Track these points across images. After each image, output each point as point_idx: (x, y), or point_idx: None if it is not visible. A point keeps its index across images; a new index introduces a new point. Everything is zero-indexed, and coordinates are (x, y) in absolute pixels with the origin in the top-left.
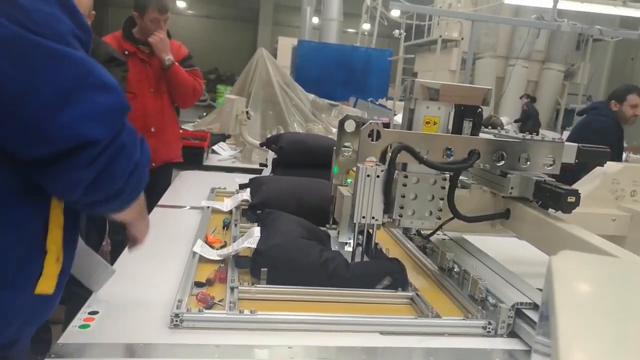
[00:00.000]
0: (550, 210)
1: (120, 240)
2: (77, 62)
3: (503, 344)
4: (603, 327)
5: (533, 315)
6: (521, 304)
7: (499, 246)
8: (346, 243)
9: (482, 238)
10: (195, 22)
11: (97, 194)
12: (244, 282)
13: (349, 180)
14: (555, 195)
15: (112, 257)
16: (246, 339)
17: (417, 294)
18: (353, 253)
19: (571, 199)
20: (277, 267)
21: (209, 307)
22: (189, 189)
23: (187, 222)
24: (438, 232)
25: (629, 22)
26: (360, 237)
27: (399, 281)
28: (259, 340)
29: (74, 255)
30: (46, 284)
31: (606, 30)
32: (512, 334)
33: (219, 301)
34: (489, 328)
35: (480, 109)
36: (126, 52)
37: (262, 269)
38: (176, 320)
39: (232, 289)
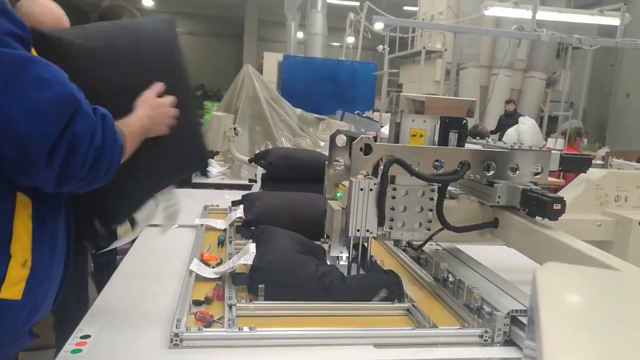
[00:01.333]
0: (538, 218)
1: (104, 261)
2: (9, 61)
3: (500, 352)
4: (588, 340)
5: None
6: (516, 311)
7: (490, 255)
8: (338, 257)
9: (473, 247)
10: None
11: (71, 184)
12: (241, 299)
13: (339, 194)
14: (542, 203)
15: (96, 279)
16: (247, 357)
17: (413, 305)
18: (349, 267)
19: (557, 207)
20: (275, 283)
21: (208, 326)
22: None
23: (180, 240)
24: (430, 243)
25: (607, 30)
26: (354, 250)
27: (395, 293)
28: (259, 357)
29: (56, 260)
30: (10, 289)
31: (584, 39)
32: (509, 342)
33: (218, 319)
34: (486, 337)
35: (465, 121)
36: None
37: (259, 286)
38: (176, 340)
39: (230, 306)
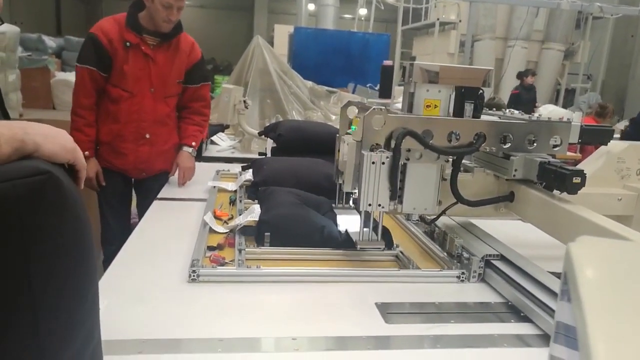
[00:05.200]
0: (556, 192)
1: (113, 250)
2: None
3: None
4: (635, 322)
5: None
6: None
7: (505, 229)
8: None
9: (486, 222)
10: (190, 13)
11: None
12: (250, 245)
13: (353, 127)
14: (560, 176)
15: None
16: (254, 290)
17: (401, 252)
18: (360, 233)
19: (576, 180)
20: (279, 232)
21: (221, 265)
22: (190, 181)
23: (191, 211)
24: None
25: None
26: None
27: (387, 240)
28: (265, 291)
29: None
30: None
31: (606, 7)
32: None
33: (230, 261)
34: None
35: (481, 91)
36: (128, 44)
37: (265, 234)
38: (193, 275)
39: (239, 250)
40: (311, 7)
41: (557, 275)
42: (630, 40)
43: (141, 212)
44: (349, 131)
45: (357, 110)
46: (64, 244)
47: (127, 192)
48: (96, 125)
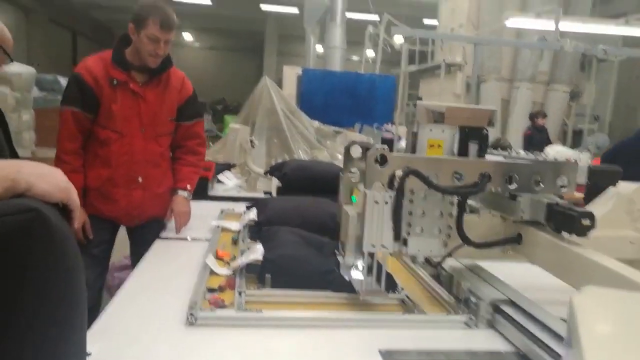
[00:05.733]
0: (565, 234)
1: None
2: None
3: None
4: None
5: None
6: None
7: (513, 273)
8: (353, 265)
9: (494, 264)
10: (202, 54)
11: None
12: (251, 287)
13: (353, 198)
14: (569, 218)
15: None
16: (253, 335)
17: (406, 296)
18: (364, 280)
19: (586, 222)
20: (282, 274)
21: (220, 308)
22: (194, 220)
23: (194, 250)
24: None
25: (632, 41)
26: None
27: (390, 284)
28: (265, 336)
29: None
30: None
31: (610, 49)
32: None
33: (230, 304)
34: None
35: (485, 131)
36: (115, 82)
37: (266, 275)
38: (191, 318)
39: (240, 292)
40: (319, 49)
41: None
42: (636, 81)
43: (135, 262)
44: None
45: (360, 150)
46: (52, 280)
47: (111, 241)
48: (83, 170)
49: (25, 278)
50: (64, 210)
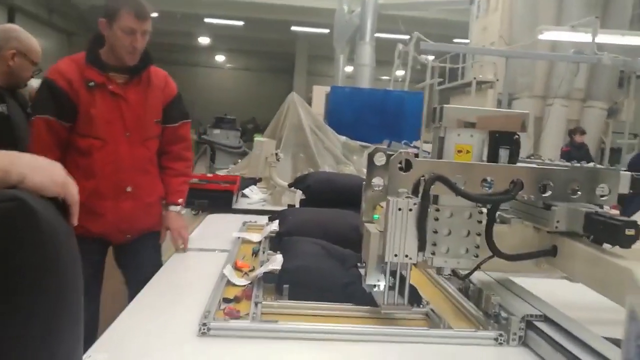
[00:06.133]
0: (606, 246)
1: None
2: None
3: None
4: None
5: None
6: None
7: (547, 289)
8: (375, 285)
9: (526, 280)
10: (233, 75)
11: None
12: (268, 298)
13: (376, 217)
14: (611, 227)
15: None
16: (268, 347)
17: (431, 309)
18: (385, 295)
19: (630, 232)
20: (300, 285)
21: (235, 319)
22: (216, 232)
23: (211, 263)
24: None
25: None
26: (391, 278)
27: (413, 298)
28: (280, 348)
29: None
30: None
31: None
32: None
33: (245, 314)
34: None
35: (517, 136)
36: (91, 84)
37: (284, 286)
38: (204, 329)
39: (256, 303)
40: (349, 69)
41: (614, 341)
42: None
43: (133, 288)
44: (372, 219)
45: (384, 157)
46: (40, 273)
47: (101, 263)
48: None
49: (9, 268)
50: (64, 205)
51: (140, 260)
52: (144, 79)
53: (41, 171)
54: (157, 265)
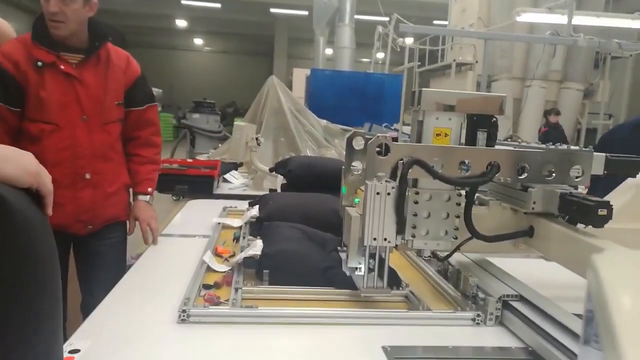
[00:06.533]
0: (580, 226)
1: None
2: None
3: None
4: None
5: None
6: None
7: (525, 269)
8: (356, 268)
9: (505, 260)
10: (212, 58)
11: None
12: (248, 283)
13: (357, 200)
14: (584, 208)
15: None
16: (248, 332)
17: (410, 292)
18: (365, 278)
19: (602, 212)
20: (281, 270)
21: (215, 305)
22: (196, 218)
23: (192, 249)
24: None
25: None
26: (372, 261)
27: (393, 281)
28: (260, 334)
29: None
30: None
31: (625, 43)
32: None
33: (225, 301)
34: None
35: (495, 119)
36: (39, 64)
37: (264, 271)
38: (183, 315)
39: (236, 289)
40: (329, 51)
41: None
42: None
43: (93, 287)
44: (353, 203)
45: (363, 141)
46: (10, 268)
47: (64, 258)
48: None
49: None
50: (38, 196)
51: (102, 253)
52: (102, 59)
53: (12, 162)
54: (116, 254)
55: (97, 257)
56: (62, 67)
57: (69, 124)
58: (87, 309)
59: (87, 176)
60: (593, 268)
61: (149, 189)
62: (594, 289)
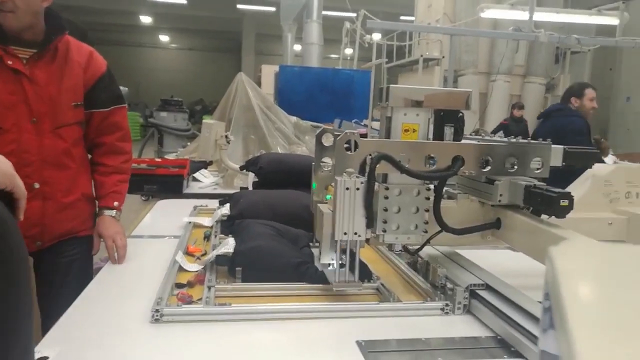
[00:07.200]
0: (544, 217)
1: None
2: None
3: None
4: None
5: None
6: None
7: (493, 260)
8: (330, 264)
9: (474, 252)
10: (179, 55)
11: None
12: (221, 281)
13: (328, 197)
14: (547, 199)
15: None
16: (222, 330)
17: (382, 284)
18: (337, 273)
19: (564, 203)
20: (254, 268)
21: (188, 304)
22: (167, 217)
23: (162, 250)
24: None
25: (605, 31)
26: (343, 256)
27: (364, 274)
28: (234, 330)
29: None
30: None
31: (583, 38)
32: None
33: (198, 299)
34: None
35: (461, 114)
36: None
37: (237, 268)
38: (156, 315)
39: (209, 287)
40: (297, 48)
41: None
42: (609, 73)
43: (51, 307)
44: (324, 200)
45: (332, 138)
46: None
47: None
48: None
49: None
50: (10, 199)
51: (57, 269)
52: (60, 54)
53: None
54: (80, 278)
55: (55, 274)
56: (9, 62)
57: (14, 126)
58: (46, 330)
59: (36, 185)
60: (549, 258)
61: (115, 203)
62: (549, 278)
